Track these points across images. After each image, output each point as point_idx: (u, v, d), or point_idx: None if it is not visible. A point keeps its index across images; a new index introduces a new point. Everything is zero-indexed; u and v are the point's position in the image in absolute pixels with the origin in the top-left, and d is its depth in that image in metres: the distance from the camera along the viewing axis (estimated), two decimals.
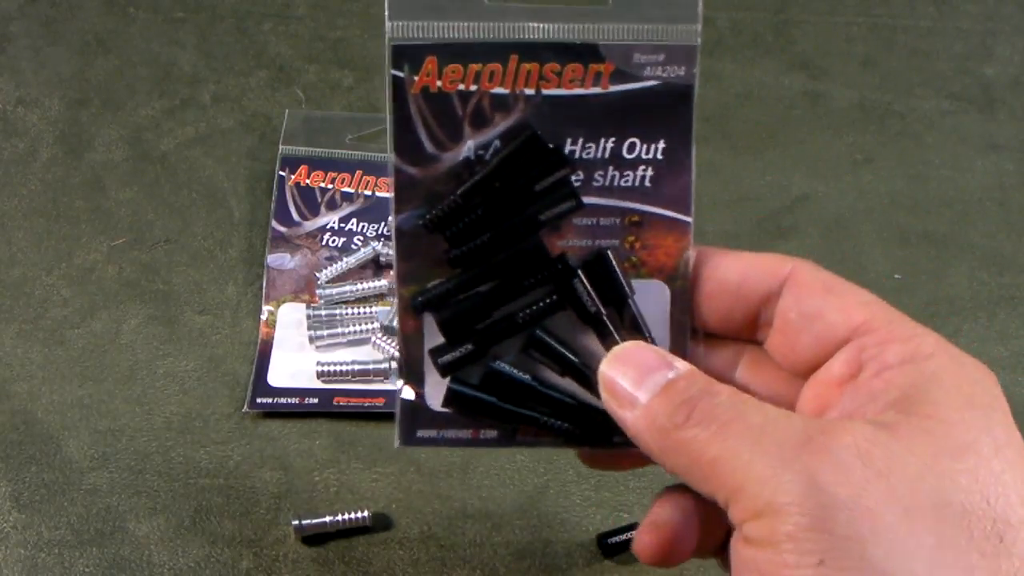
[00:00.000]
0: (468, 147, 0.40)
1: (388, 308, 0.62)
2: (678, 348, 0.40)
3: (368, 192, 0.68)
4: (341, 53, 0.78)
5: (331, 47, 0.78)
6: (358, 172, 0.68)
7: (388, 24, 0.39)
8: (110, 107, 0.74)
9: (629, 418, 0.35)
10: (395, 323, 0.61)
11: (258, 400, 0.58)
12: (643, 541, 0.37)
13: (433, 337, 0.40)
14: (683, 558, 0.38)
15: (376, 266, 0.64)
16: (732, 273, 0.38)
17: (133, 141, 0.72)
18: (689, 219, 0.40)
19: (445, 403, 0.40)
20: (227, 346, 0.61)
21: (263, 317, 0.62)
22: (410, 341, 0.40)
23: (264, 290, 0.63)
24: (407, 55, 0.40)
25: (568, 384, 0.40)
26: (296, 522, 0.53)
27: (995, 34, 0.82)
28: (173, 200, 0.68)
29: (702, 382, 0.34)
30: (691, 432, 0.32)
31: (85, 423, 0.57)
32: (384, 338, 0.60)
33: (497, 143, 0.40)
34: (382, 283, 0.63)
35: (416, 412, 0.41)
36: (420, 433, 0.41)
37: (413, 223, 0.40)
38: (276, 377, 0.59)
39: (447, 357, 0.40)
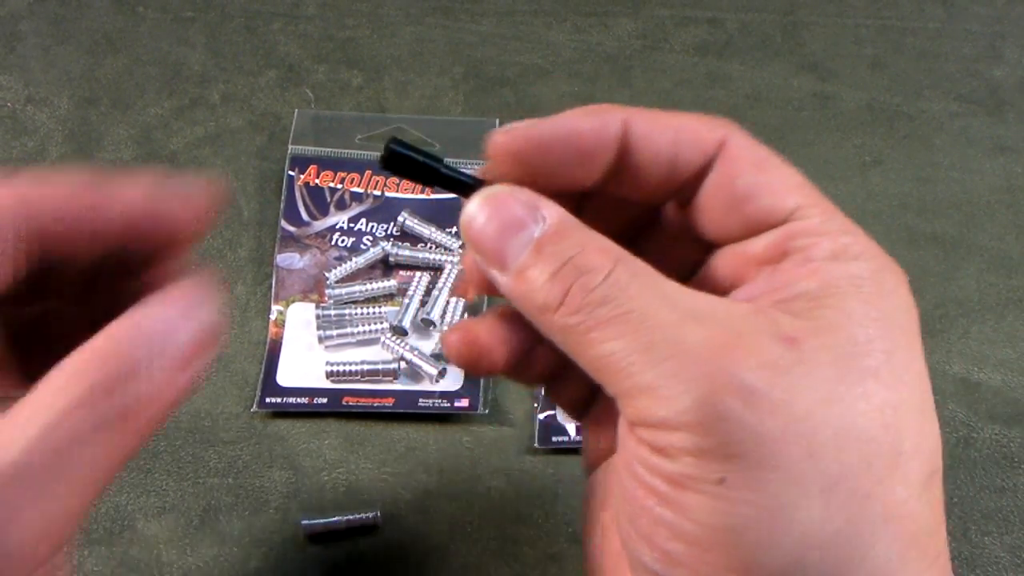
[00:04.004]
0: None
1: (397, 308, 0.62)
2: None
3: (377, 192, 0.68)
4: (350, 53, 0.78)
5: (340, 47, 0.78)
6: (367, 172, 0.68)
7: None
8: (119, 106, 0.74)
9: (501, 282, 0.31)
10: (405, 322, 0.61)
11: (267, 400, 0.58)
12: (449, 339, 0.35)
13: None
14: (493, 370, 0.35)
15: (385, 266, 0.64)
16: (664, 144, 0.34)
17: (142, 140, 0.72)
18: None
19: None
20: (236, 345, 0.61)
21: (272, 317, 0.62)
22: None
23: (273, 290, 0.63)
24: None
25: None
26: (305, 522, 0.53)
27: (1004, 36, 0.82)
28: None
29: (576, 240, 0.30)
30: (570, 320, 0.29)
31: None
32: (393, 338, 0.60)
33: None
34: (391, 283, 0.63)
35: (549, 427, 0.58)
36: (554, 439, 0.58)
37: None
38: (285, 377, 0.59)
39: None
